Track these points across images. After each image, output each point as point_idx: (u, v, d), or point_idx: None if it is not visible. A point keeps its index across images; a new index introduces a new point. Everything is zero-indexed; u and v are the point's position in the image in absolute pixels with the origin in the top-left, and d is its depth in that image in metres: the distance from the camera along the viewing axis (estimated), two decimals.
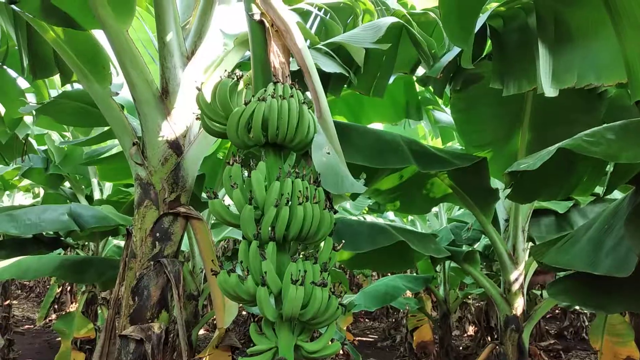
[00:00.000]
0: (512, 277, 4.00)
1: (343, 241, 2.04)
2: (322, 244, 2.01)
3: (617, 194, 5.40)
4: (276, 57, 2.18)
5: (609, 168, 2.62)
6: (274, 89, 2.00)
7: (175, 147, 2.46)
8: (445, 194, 4.14)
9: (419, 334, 9.34)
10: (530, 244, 4.72)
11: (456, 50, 2.94)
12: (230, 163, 1.96)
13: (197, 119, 2.13)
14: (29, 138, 6.25)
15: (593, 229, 2.58)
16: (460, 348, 10.12)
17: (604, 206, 5.19)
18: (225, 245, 9.68)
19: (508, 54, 2.85)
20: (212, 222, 6.04)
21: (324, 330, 1.95)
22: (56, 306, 13.01)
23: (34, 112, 4.55)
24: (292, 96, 1.99)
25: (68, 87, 3.87)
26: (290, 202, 1.84)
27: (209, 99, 2.12)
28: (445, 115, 5.48)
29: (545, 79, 2.51)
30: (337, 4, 3.50)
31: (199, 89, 2.08)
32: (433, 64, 2.96)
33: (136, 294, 2.30)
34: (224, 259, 8.66)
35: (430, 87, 5.17)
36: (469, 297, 10.90)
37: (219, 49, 2.83)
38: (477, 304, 11.59)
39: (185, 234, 3.47)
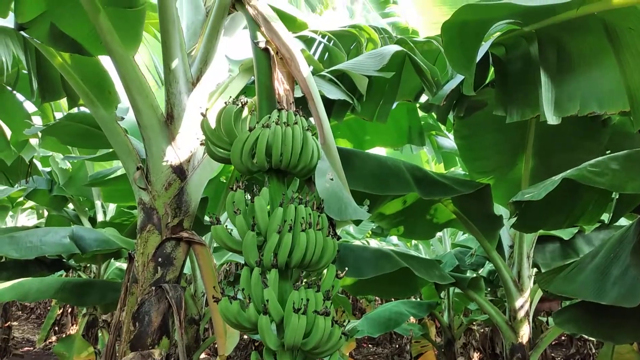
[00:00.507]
0: (518, 304, 3.95)
1: (346, 268, 2.02)
2: (324, 272, 2.00)
3: (623, 221, 5.38)
4: (280, 85, 2.21)
5: (615, 196, 2.60)
6: (278, 116, 2.02)
7: (179, 172, 2.46)
8: (449, 219, 4.13)
9: None
10: (535, 270, 4.68)
11: (459, 77, 2.96)
12: (234, 189, 1.96)
13: (201, 144, 2.14)
14: (34, 160, 6.30)
15: (599, 257, 2.55)
16: None
17: (609, 233, 5.16)
18: (228, 269, 9.62)
19: (510, 81, 2.86)
20: (215, 245, 6.03)
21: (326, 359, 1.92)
22: (56, 328, 12.89)
23: (40, 134, 4.59)
24: (296, 123, 2.01)
25: (74, 110, 3.91)
26: (293, 229, 1.84)
27: (213, 125, 2.14)
28: (448, 140, 5.50)
29: (547, 107, 2.52)
30: (341, 32, 3.54)
31: (204, 115, 2.09)
32: (436, 91, 2.98)
33: (137, 320, 2.27)
34: (226, 283, 8.59)
35: (433, 114, 5.22)
36: (474, 323, 10.75)
37: (223, 75, 2.86)
38: (481, 330, 11.43)
39: (188, 257, 3.46)
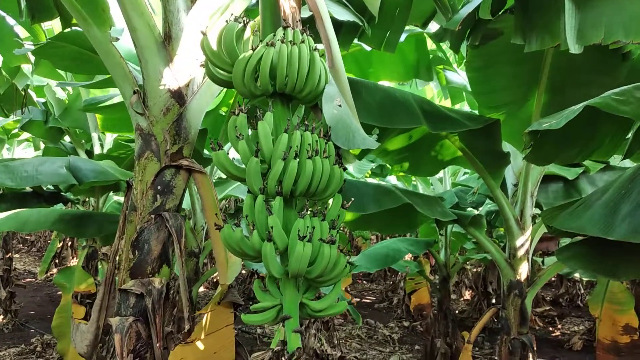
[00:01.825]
0: (518, 242, 3.94)
1: (352, 199, 1.95)
2: (330, 201, 1.92)
3: (627, 163, 5.30)
4: (286, 1, 2.04)
5: (631, 133, 2.50)
6: (284, 34, 1.87)
7: (178, 96, 2.34)
8: (455, 156, 4.03)
9: (416, 297, 9.44)
10: (537, 210, 4.65)
11: (476, 2, 2.77)
12: (236, 113, 1.85)
13: (201, 65, 2.01)
14: (29, 90, 6.11)
15: (608, 194, 2.48)
16: (457, 312, 10.22)
17: (613, 174, 5.10)
18: (227, 205, 9.64)
19: (531, 7, 2.68)
20: (214, 180, 5.97)
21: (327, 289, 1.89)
22: (57, 261, 13.13)
23: (32, 60, 4.40)
24: (303, 42, 1.86)
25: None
26: (298, 156, 1.75)
27: (214, 46, 1.99)
28: (456, 75, 5.31)
29: (570, 34, 2.37)
30: None
31: (204, 34, 1.94)
32: (451, 16, 2.80)
33: (136, 248, 2.22)
34: (227, 216, 8.62)
35: (443, 44, 5.01)
36: (467, 262, 10.95)
37: None
38: (473, 269, 11.67)
39: (187, 190, 3.39)
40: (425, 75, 4.88)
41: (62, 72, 5.43)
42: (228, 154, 1.88)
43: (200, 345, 2.17)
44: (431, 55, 4.92)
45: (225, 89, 3.71)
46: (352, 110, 2.01)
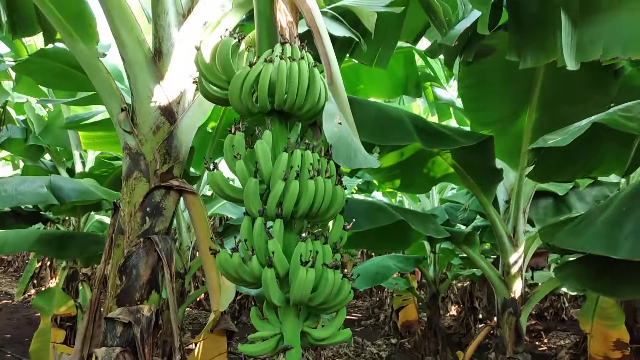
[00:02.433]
0: (512, 259, 3.89)
1: (354, 220, 1.87)
2: (330, 223, 1.84)
3: (612, 178, 5.33)
4: (283, 16, 1.98)
5: (632, 150, 2.48)
6: (282, 50, 1.80)
7: (168, 114, 2.24)
8: (446, 173, 4.00)
9: (404, 314, 9.34)
10: (528, 226, 4.63)
11: (472, 18, 2.75)
12: (233, 131, 1.77)
13: (193, 82, 1.92)
14: (8, 107, 5.94)
15: (609, 211, 2.45)
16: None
17: (601, 190, 5.13)
18: (212, 223, 9.48)
19: (525, 24, 2.67)
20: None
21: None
22: (35, 281, 12.74)
23: (13, 77, 4.26)
24: (302, 58, 1.79)
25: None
26: (299, 176, 1.66)
27: (208, 61, 1.91)
28: (444, 92, 5.31)
29: (567, 51, 2.35)
30: None
31: (198, 48, 1.86)
32: (446, 31, 2.77)
33: (124, 274, 2.10)
34: (215, 235, 8.43)
35: (432, 62, 5.01)
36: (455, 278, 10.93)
37: (216, 10, 2.59)
38: (459, 285, 11.64)
39: None
40: (413, 91, 4.87)
41: (44, 89, 5.28)
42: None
43: None
44: (419, 72, 4.92)
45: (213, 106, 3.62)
46: (352, 128, 1.94)
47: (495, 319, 4.00)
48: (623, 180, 4.78)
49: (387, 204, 3.88)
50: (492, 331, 4.10)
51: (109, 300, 2.10)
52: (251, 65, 1.77)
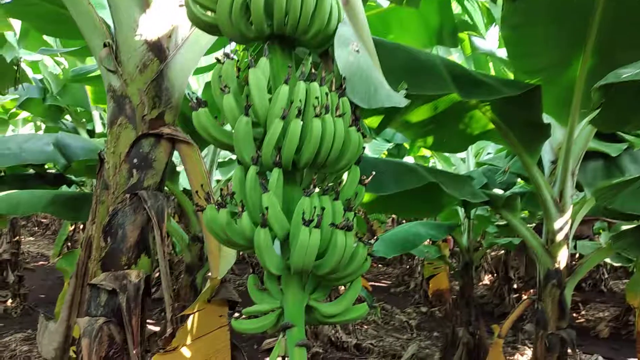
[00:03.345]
0: (557, 225, 3.48)
1: (373, 172, 1.52)
2: (345, 175, 1.50)
3: None
4: None
5: None
6: None
7: (157, 50, 1.91)
8: (485, 129, 3.56)
9: (435, 282, 9.05)
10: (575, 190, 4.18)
11: None
12: (221, 60, 1.43)
13: (180, 5, 1.58)
14: (23, 64, 5.73)
15: None
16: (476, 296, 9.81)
17: None
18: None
19: None
20: (220, 160, 5.57)
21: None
22: (69, 244, 12.98)
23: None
24: None
25: None
26: (303, 113, 1.32)
27: None
28: (483, 42, 4.80)
29: None
30: None
31: None
32: None
33: (109, 234, 1.83)
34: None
35: (470, 8, 4.50)
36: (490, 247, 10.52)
37: None
38: (492, 253, 11.22)
39: None
40: (449, 41, 4.39)
41: (51, 42, 5.03)
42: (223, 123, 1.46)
43: (186, 352, 1.78)
44: (456, 19, 4.43)
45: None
46: (374, 57, 1.57)
47: (532, 290, 3.63)
48: None
49: (418, 164, 3.50)
50: (532, 304, 3.73)
51: (94, 265, 1.84)
52: None
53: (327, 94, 1.36)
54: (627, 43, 3.01)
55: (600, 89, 1.74)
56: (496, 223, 7.16)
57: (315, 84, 1.36)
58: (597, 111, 2.01)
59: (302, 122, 1.30)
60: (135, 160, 1.86)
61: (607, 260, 8.44)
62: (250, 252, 1.41)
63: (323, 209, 1.28)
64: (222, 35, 1.56)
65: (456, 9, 4.73)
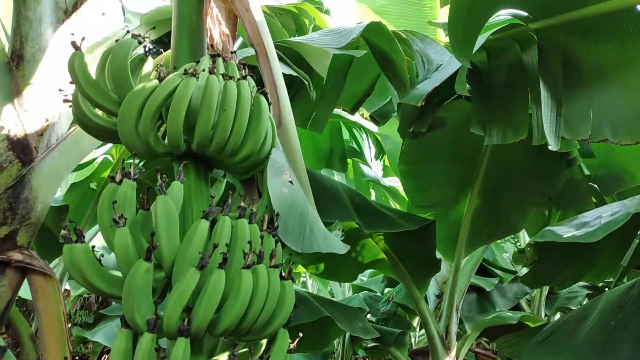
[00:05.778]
0: None
1: (300, 334, 1.20)
2: (263, 342, 1.16)
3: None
4: (216, 25, 1.37)
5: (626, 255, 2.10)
6: (214, 63, 1.19)
7: (21, 149, 1.47)
8: (376, 259, 3.43)
9: None
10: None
11: (436, 77, 2.35)
12: (117, 180, 1.07)
13: (64, 100, 1.22)
14: None
15: (591, 323, 2.00)
16: None
17: (520, 286, 4.87)
18: (87, 297, 7.76)
19: (493, 95, 2.32)
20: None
21: None
22: None
23: None
24: (244, 78, 1.18)
25: None
26: (228, 263, 0.99)
27: (93, 73, 1.23)
28: (370, 170, 4.92)
29: (549, 127, 1.98)
30: (278, 10, 2.79)
31: (77, 47, 1.19)
32: (406, 92, 2.32)
33: None
34: (84, 314, 6.83)
35: (358, 137, 4.64)
36: None
37: (116, 23, 1.93)
38: None
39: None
40: (338, 165, 4.43)
41: None
42: (94, 249, 1.05)
43: None
44: (345, 146, 4.52)
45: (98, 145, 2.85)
46: (307, 191, 1.32)
47: None
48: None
49: (311, 294, 3.22)
50: None
51: None
52: (160, 79, 1.13)
53: (260, 237, 1.06)
54: (507, 187, 3.21)
55: (534, 246, 1.68)
56: (367, 346, 6.96)
57: (245, 222, 1.06)
58: (531, 268, 1.96)
59: (225, 275, 0.97)
60: None
61: None
62: None
63: None
64: (118, 143, 1.22)
65: (345, 134, 4.85)
